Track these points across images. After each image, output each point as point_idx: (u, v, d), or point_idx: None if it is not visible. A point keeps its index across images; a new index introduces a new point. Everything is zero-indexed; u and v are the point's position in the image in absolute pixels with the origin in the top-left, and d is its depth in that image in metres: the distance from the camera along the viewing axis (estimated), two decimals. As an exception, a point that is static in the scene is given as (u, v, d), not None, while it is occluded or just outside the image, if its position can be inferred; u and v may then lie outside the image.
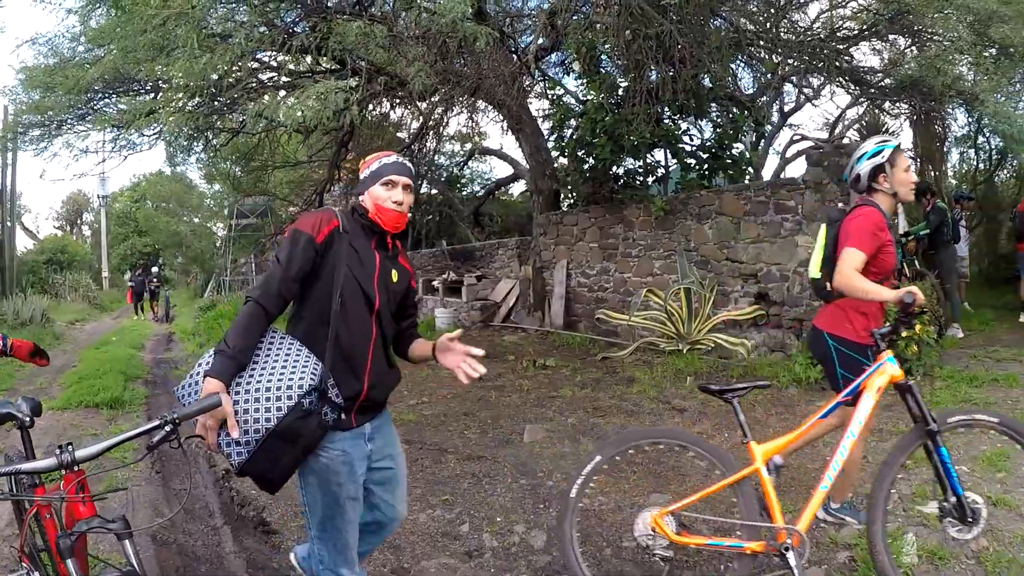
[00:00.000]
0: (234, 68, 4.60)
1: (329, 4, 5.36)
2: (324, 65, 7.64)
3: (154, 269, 21.77)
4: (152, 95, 7.99)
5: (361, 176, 2.12)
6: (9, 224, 16.63)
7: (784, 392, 5.31)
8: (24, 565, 2.31)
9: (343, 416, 1.95)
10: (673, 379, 6.02)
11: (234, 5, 5.13)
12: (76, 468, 1.67)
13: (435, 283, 11.75)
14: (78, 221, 43.02)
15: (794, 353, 5.92)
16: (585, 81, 8.60)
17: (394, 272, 2.12)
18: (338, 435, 1.96)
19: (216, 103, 5.87)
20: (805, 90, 11.31)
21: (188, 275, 32.61)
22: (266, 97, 5.69)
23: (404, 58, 5.06)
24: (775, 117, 11.58)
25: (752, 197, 6.93)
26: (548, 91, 10.11)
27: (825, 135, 14.20)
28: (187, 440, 1.80)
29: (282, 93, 6.44)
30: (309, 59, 7.23)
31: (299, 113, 4.61)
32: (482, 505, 3.67)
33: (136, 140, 8.66)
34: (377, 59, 5.73)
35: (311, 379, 1.84)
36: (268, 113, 4.85)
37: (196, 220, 29.67)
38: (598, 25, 7.72)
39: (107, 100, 8.21)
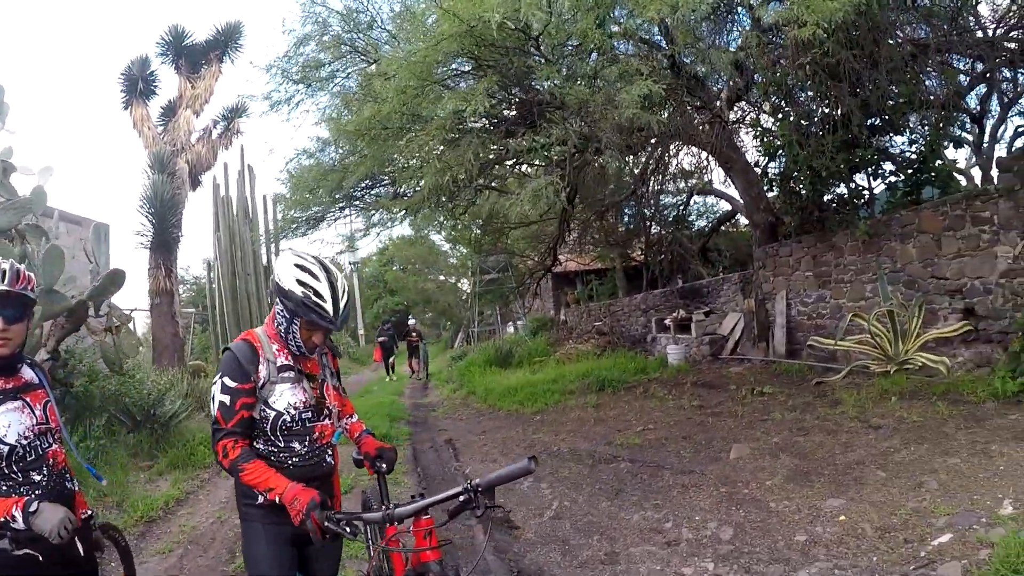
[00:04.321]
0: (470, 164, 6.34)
1: (537, 100, 6.90)
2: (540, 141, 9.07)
3: (411, 322, 20.01)
4: (393, 185, 10.37)
5: None
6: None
7: (980, 407, 5.37)
8: None
9: None
10: (877, 399, 6.27)
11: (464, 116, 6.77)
12: (397, 523, 1.97)
13: (666, 321, 12.71)
14: (333, 287, 49.59)
15: (998, 367, 5.80)
16: (779, 118, 8.97)
17: None
18: None
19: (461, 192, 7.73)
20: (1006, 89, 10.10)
21: (438, 328, 35.69)
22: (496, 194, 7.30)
23: (599, 140, 6.31)
24: (996, 111, 10.43)
25: (949, 212, 6.90)
26: (751, 125, 10.53)
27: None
28: (488, 511, 1.84)
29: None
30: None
31: (519, 208, 6.30)
32: (685, 508, 4.61)
33: (387, 220, 11.21)
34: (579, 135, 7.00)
35: None
36: (498, 209, 6.36)
37: (441, 277, 32.25)
38: (782, 62, 8.09)
39: (365, 192, 10.74)
